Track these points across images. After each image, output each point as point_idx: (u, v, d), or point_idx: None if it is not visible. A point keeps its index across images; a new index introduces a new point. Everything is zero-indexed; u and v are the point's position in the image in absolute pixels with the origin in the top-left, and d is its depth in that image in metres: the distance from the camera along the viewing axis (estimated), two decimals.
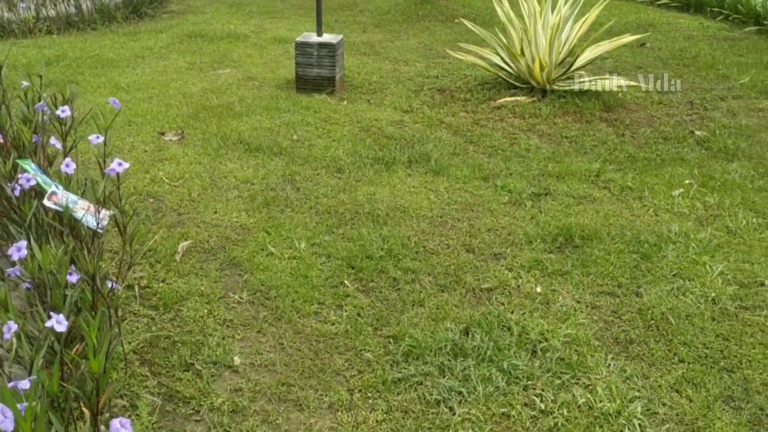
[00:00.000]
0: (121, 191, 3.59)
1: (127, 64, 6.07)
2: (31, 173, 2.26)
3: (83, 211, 2.13)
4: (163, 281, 2.83)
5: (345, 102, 5.20)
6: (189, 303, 2.68)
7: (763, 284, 2.84)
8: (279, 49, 6.67)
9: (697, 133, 4.56)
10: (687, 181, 3.81)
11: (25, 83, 2.80)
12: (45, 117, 2.71)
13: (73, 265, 1.95)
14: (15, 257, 1.85)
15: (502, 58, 5.41)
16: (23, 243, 1.86)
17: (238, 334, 2.53)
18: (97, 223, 2.13)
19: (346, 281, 2.85)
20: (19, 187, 2.15)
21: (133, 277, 2.76)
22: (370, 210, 3.44)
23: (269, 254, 3.03)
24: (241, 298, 2.73)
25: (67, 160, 2.30)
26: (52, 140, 2.51)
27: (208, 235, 3.19)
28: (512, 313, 2.65)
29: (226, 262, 2.98)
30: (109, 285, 2.05)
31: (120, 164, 2.31)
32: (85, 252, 1.98)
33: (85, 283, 1.94)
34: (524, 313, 2.65)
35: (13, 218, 2.23)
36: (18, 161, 2.27)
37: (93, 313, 1.84)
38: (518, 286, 2.84)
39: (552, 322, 2.58)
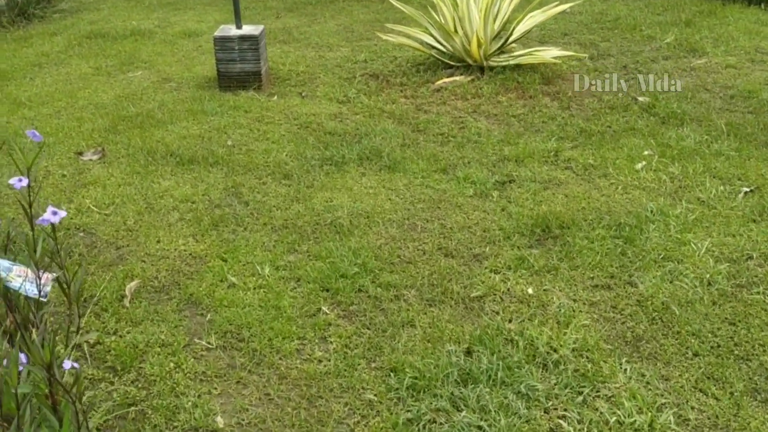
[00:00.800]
0: (38, 229, 3.18)
1: (23, 74, 5.47)
2: None
3: (20, 278, 1.76)
4: (114, 333, 2.47)
5: (275, 97, 4.85)
6: (150, 357, 2.34)
7: (751, 257, 2.76)
8: (190, 43, 6.20)
9: (640, 99, 4.49)
10: (646, 152, 3.72)
11: None
12: None
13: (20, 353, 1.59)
14: None
15: (434, 37, 5.19)
16: None
17: (216, 389, 2.22)
18: (39, 291, 1.76)
19: (323, 307, 2.58)
20: None
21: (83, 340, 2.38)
22: (331, 220, 3.16)
23: (231, 285, 2.71)
24: (209, 343, 2.41)
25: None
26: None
27: (157, 270, 2.83)
28: (510, 322, 2.46)
29: (184, 301, 2.64)
30: (66, 366, 1.70)
31: (55, 213, 1.93)
32: (33, 334, 1.62)
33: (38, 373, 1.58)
34: (523, 321, 2.46)
35: None
36: None
37: (54, 412, 1.50)
38: (508, 290, 2.64)
39: (554, 328, 2.40)
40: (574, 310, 2.50)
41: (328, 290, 2.67)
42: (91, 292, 2.68)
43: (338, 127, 4.28)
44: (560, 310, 2.50)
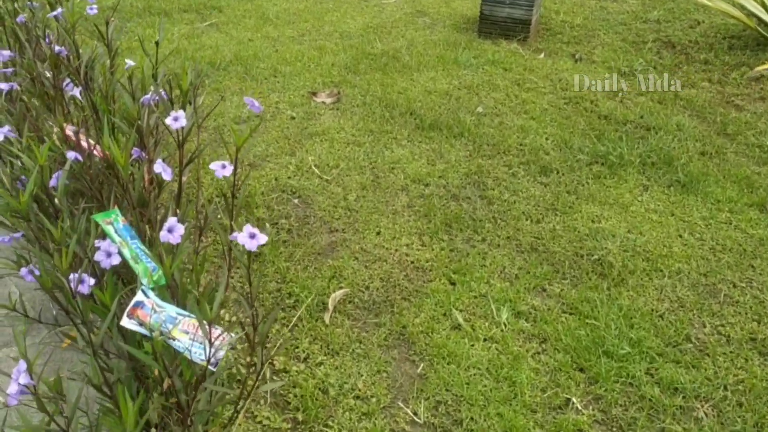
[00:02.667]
0: (257, 185, 2.77)
1: None
2: (115, 240, 1.41)
3: (186, 335, 1.26)
4: (304, 361, 1.97)
5: (542, 55, 4.02)
6: (340, 414, 1.81)
7: None
8: None
9: None
10: None
11: (130, 62, 1.93)
12: (155, 116, 1.84)
13: None
14: None
15: (764, 4, 3.96)
16: None
17: None
18: (208, 357, 1.25)
19: (574, 399, 1.86)
20: (84, 280, 1.30)
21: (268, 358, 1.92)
22: (597, 255, 2.38)
23: (455, 327, 2.08)
24: (415, 414, 1.82)
25: (171, 221, 1.42)
26: (158, 165, 1.64)
27: (370, 278, 2.27)
28: None
29: (395, 334, 2.06)
30: None
31: (253, 236, 1.40)
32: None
33: None
34: None
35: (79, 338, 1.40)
36: (95, 218, 1.42)
37: None
38: None
39: None
40: None
41: (582, 370, 1.94)
42: (289, 289, 2.20)
43: (617, 110, 3.38)
44: None
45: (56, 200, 1.46)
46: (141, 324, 1.23)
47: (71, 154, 1.60)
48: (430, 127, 3.20)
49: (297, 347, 2.01)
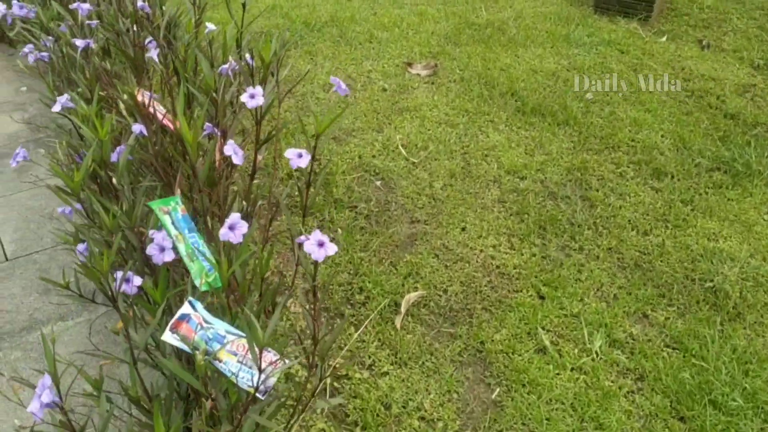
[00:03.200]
0: (339, 162, 2.58)
1: None
2: (171, 233, 1.26)
3: (234, 358, 1.10)
4: (369, 368, 1.80)
5: (664, 38, 3.62)
6: None
7: None
8: None
9: None
10: None
11: (210, 26, 1.77)
12: (233, 87, 1.68)
13: None
14: None
15: None
16: None
17: None
18: (257, 384, 1.09)
19: None
20: (130, 279, 1.16)
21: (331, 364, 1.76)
22: (711, 284, 2.08)
23: (540, 350, 1.86)
24: None
25: (234, 218, 1.26)
26: (229, 147, 1.48)
27: (449, 280, 2.07)
28: None
29: (470, 349, 1.86)
30: None
31: (322, 244, 1.23)
32: None
33: None
34: None
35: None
36: (151, 205, 1.27)
37: None
38: None
39: None
40: None
41: (683, 420, 1.69)
42: (361, 284, 2.03)
43: (747, 109, 2.99)
44: None
45: (114, 180, 1.33)
46: (184, 340, 1.08)
47: (137, 127, 1.46)
48: (532, 111, 2.92)
49: (362, 351, 1.84)
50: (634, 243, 2.23)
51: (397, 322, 1.93)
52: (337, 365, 1.82)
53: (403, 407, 1.69)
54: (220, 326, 1.12)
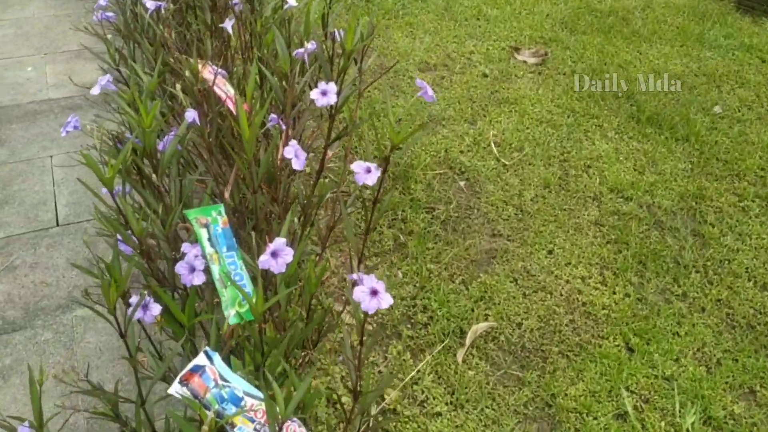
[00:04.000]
0: (423, 154, 2.34)
1: None
2: (206, 250, 1.09)
3: (251, 425, 0.92)
4: (421, 405, 1.60)
5: None
6: None
7: None
8: None
9: None
10: None
11: (291, 1, 1.56)
12: (307, 75, 1.48)
13: None
14: None
15: None
16: None
17: None
18: None
19: None
20: (148, 306, 1.00)
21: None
22: None
23: (620, 416, 1.60)
24: None
25: (278, 243, 1.07)
26: (290, 149, 1.28)
27: (525, 313, 1.83)
28: None
29: (539, 402, 1.63)
30: None
31: (375, 293, 1.02)
32: None
33: None
34: None
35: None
36: (188, 215, 1.10)
37: None
38: None
39: None
40: None
41: None
42: (425, 302, 1.82)
43: None
44: None
45: (153, 177, 1.16)
46: (195, 396, 0.91)
47: (190, 114, 1.29)
48: (648, 120, 2.59)
49: (416, 382, 1.64)
50: (750, 297, 1.91)
51: (460, 356, 1.71)
52: (386, 392, 1.63)
53: None
54: (239, 384, 0.94)
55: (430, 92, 1.30)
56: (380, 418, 1.57)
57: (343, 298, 1.86)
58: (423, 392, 1.62)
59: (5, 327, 1.59)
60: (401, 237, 2.03)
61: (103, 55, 1.58)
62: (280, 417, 0.89)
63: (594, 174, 2.32)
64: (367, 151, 1.25)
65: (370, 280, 1.04)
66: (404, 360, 1.69)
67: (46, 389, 1.47)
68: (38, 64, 2.61)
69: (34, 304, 1.65)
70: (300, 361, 1.61)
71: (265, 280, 1.24)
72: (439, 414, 1.58)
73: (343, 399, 1.59)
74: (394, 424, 1.55)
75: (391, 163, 1.23)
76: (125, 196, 1.16)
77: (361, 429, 1.21)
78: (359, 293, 1.02)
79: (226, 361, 1.00)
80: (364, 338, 1.12)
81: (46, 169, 2.08)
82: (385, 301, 1.02)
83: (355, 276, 1.10)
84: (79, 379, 1.44)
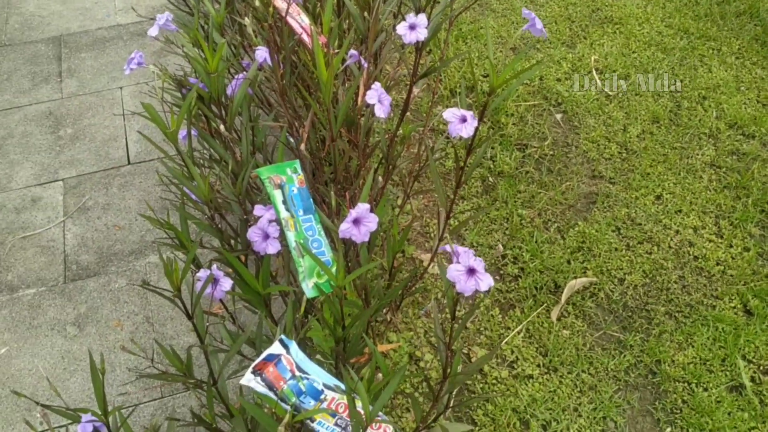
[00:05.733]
0: (514, 81, 2.08)
1: None
2: (280, 214, 0.96)
3: (332, 420, 0.81)
4: (510, 366, 1.48)
5: None
6: None
7: None
8: None
9: None
10: None
11: None
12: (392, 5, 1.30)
13: None
14: None
15: None
16: None
17: None
18: None
19: None
20: (218, 281, 0.89)
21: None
22: None
23: (735, 389, 1.43)
24: None
25: (361, 209, 0.93)
26: (373, 93, 1.12)
27: (629, 267, 1.65)
28: None
29: (642, 368, 1.47)
30: None
31: (473, 271, 0.88)
32: None
33: None
34: None
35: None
36: (259, 173, 0.97)
37: None
38: None
39: None
40: None
41: None
42: (516, 252, 1.67)
43: None
44: None
45: (222, 128, 1.03)
46: (270, 388, 0.80)
47: (261, 53, 1.14)
48: None
49: (506, 341, 1.51)
50: None
51: (554, 313, 1.56)
52: (471, 350, 1.51)
53: (543, 428, 1.37)
54: (319, 376, 0.83)
55: (539, 25, 1.09)
56: (466, 386, 1.46)
57: (426, 245, 1.73)
58: (513, 352, 1.49)
59: (80, 272, 1.55)
60: (490, 178, 1.86)
61: None
62: (364, 419, 0.78)
63: (710, 107, 2.05)
64: (462, 99, 1.08)
65: (467, 257, 0.89)
66: (492, 315, 1.56)
67: (117, 353, 1.42)
68: None
69: (108, 248, 1.59)
70: (382, 321, 1.50)
71: (345, 243, 1.12)
72: (531, 377, 1.45)
73: (426, 357, 1.49)
74: (481, 386, 1.44)
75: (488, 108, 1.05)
76: (191, 149, 1.04)
77: (449, 405, 1.09)
78: (454, 272, 0.88)
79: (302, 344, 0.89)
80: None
81: (116, 102, 1.99)
82: (485, 282, 0.88)
83: (448, 248, 0.96)
84: (151, 350, 1.38)
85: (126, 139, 1.87)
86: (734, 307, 1.56)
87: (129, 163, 1.79)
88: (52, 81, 2.08)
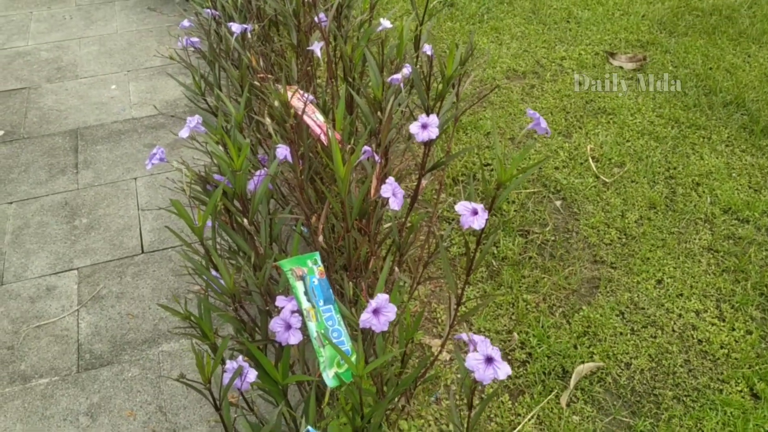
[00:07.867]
0: (514, 171, 2.17)
1: None
2: (302, 305, 1.00)
3: None
4: None
5: None
6: None
7: None
8: None
9: None
10: None
11: (385, 23, 1.45)
12: (402, 102, 1.38)
13: None
14: None
15: None
16: None
17: None
18: None
19: None
20: (245, 373, 0.92)
21: None
22: None
23: None
24: None
25: (380, 299, 0.97)
26: (387, 187, 1.18)
27: (635, 352, 1.68)
28: None
29: None
30: None
31: (490, 360, 0.91)
32: None
33: None
34: None
35: None
36: (281, 266, 1.01)
37: None
38: None
39: None
40: None
41: None
42: (523, 337, 1.69)
43: None
44: None
45: (245, 221, 1.08)
46: None
47: (281, 152, 1.21)
48: (764, 132, 2.36)
49: (518, 429, 1.52)
50: None
51: (563, 399, 1.58)
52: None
53: None
54: None
55: (543, 124, 1.17)
56: None
57: (434, 330, 1.76)
58: None
59: (93, 362, 1.56)
60: (494, 264, 1.91)
61: (184, 74, 1.52)
62: None
63: (704, 192, 2.12)
64: (471, 192, 1.14)
65: (485, 346, 0.92)
66: (502, 402, 1.57)
67: None
68: (121, 81, 2.62)
69: (121, 337, 1.62)
70: (394, 408, 1.51)
71: (362, 332, 1.15)
72: None
73: None
74: None
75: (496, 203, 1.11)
76: (215, 241, 1.09)
77: None
78: (473, 361, 0.91)
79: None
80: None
81: (131, 193, 2.06)
82: (503, 370, 0.91)
83: (465, 337, 0.99)
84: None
85: (140, 228, 1.92)
86: (741, 391, 1.58)
87: (143, 252, 1.84)
88: (69, 172, 2.16)
